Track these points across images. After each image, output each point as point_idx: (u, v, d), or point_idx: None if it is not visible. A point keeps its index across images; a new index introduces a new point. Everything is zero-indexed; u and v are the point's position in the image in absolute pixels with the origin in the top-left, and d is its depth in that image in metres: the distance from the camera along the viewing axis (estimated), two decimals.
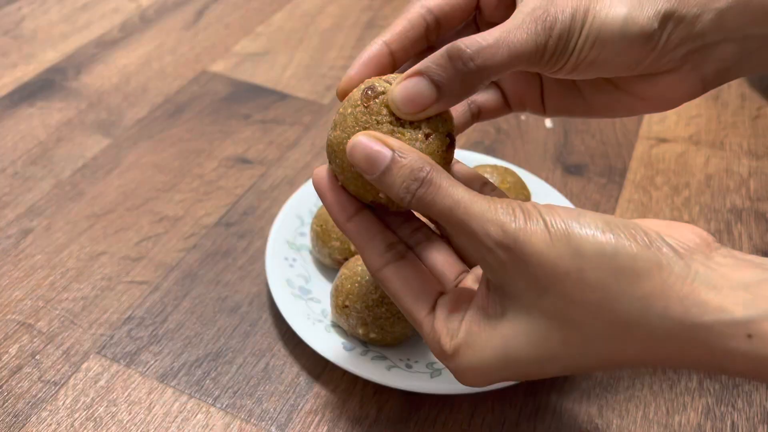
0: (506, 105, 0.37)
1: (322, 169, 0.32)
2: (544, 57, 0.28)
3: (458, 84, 0.28)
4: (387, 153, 0.28)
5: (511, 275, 0.26)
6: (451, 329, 0.28)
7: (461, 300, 0.29)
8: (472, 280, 0.31)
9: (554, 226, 0.25)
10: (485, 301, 0.28)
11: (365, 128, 0.29)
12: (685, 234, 0.26)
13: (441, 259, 0.31)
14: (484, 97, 0.37)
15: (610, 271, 0.24)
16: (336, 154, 0.30)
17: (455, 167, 0.34)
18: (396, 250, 0.30)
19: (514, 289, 0.26)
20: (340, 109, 0.31)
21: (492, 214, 0.26)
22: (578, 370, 0.27)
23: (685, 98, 0.33)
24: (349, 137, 0.29)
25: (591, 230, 0.25)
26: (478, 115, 0.37)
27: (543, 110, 0.37)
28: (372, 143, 0.28)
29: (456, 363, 0.28)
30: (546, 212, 0.26)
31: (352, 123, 0.30)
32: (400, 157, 0.27)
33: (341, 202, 0.31)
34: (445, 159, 0.30)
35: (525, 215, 0.26)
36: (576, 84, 0.35)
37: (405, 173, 0.27)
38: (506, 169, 0.48)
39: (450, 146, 0.30)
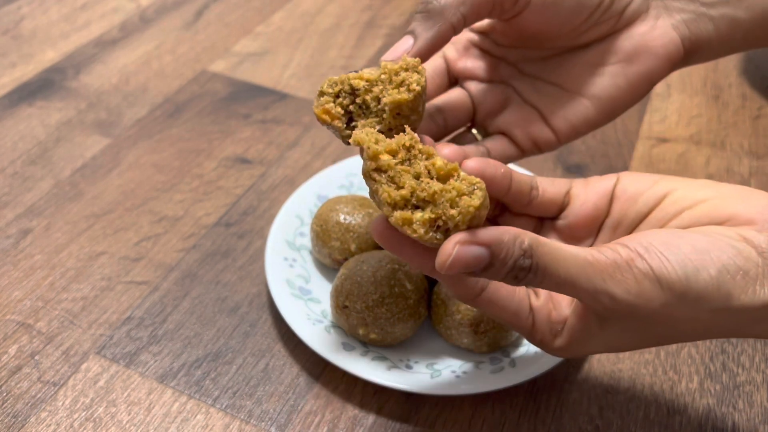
0: (519, 150, 0.39)
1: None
2: None
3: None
4: (484, 254, 0.25)
5: (616, 318, 0.28)
6: (554, 330, 0.31)
7: (554, 308, 0.32)
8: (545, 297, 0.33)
9: (666, 283, 0.26)
10: (584, 321, 0.30)
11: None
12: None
13: None
14: (493, 145, 0.39)
15: (704, 311, 0.27)
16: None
17: (515, 176, 0.33)
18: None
19: (616, 322, 0.29)
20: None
21: (601, 285, 0.27)
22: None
23: (667, 45, 0.36)
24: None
25: (702, 276, 0.26)
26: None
27: (555, 137, 0.38)
28: (466, 250, 0.25)
29: (562, 352, 0.32)
30: (656, 263, 0.27)
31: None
32: (498, 251, 0.25)
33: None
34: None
35: (634, 279, 0.27)
36: (565, 85, 0.38)
37: (509, 266, 0.26)
38: None
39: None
